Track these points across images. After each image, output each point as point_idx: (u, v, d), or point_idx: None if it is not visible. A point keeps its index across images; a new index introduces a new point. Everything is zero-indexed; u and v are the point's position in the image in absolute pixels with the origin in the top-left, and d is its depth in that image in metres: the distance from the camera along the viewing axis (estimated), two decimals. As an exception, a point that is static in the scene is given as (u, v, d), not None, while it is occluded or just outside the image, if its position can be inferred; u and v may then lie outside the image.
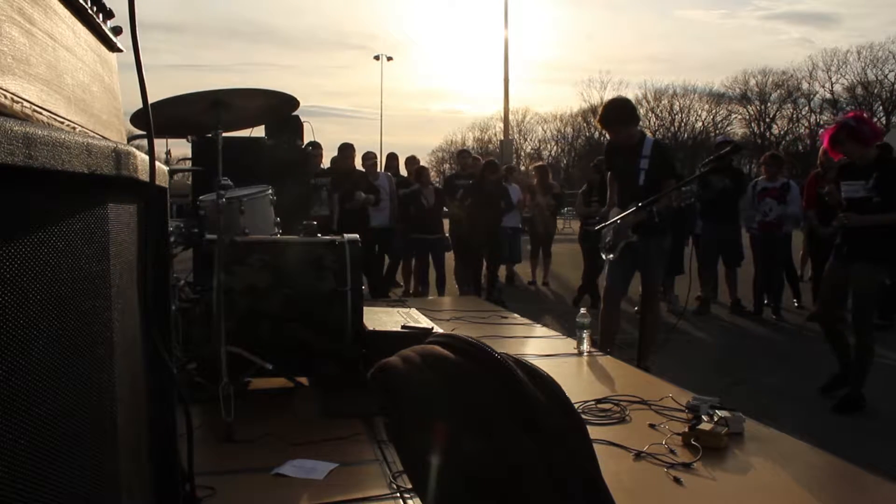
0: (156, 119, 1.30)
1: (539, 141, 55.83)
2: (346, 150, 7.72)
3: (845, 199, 4.15)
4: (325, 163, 7.85)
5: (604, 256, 4.45)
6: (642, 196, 4.02)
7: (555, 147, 55.25)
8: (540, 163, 12.75)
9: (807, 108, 46.51)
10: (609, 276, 4.45)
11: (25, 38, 0.88)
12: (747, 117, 48.58)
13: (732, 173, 7.36)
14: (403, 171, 9.01)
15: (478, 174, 8.13)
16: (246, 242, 3.00)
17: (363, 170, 7.90)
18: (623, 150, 4.37)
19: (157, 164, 1.31)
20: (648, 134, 4.53)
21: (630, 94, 50.07)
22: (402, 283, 8.90)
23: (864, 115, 4.37)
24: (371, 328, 2.95)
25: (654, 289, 4.44)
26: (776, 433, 2.54)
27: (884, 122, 39.68)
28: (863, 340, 4.10)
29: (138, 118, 2.25)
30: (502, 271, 9.21)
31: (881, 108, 42.56)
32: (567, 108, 64.50)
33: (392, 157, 9.39)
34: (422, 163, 9.38)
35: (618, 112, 4.35)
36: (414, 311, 3.56)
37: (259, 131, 5.17)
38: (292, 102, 2.79)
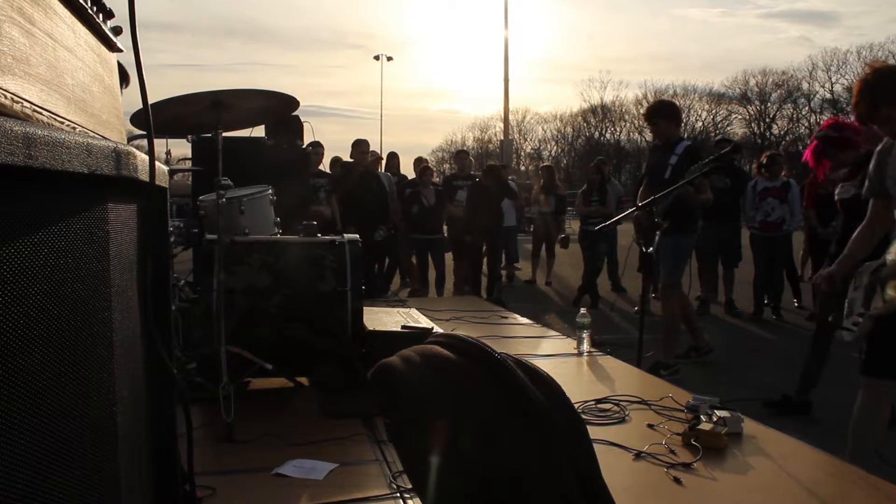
0: (156, 119, 1.30)
1: (539, 141, 55.94)
2: (360, 145, 7.52)
3: (839, 201, 4.14)
4: (325, 163, 7.83)
5: (644, 250, 4.69)
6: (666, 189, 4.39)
7: (555, 147, 55.32)
8: (546, 163, 12.66)
9: (807, 108, 46.55)
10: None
11: (25, 38, 0.88)
12: (747, 117, 48.61)
13: (733, 172, 7.35)
14: (403, 171, 9.02)
15: (480, 177, 8.14)
16: (246, 242, 3.00)
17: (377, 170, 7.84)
18: (659, 147, 4.90)
19: (157, 164, 1.31)
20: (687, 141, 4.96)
21: (630, 94, 50.18)
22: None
23: (840, 118, 4.35)
24: (371, 328, 2.95)
25: (663, 284, 4.77)
26: (776, 433, 2.54)
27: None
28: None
29: (138, 118, 2.25)
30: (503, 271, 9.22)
31: (881, 108, 42.54)
32: (567, 108, 64.65)
33: (392, 157, 9.38)
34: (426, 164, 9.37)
35: (662, 107, 4.99)
36: (414, 311, 3.56)
37: (259, 131, 5.17)
38: (292, 103, 2.79)
